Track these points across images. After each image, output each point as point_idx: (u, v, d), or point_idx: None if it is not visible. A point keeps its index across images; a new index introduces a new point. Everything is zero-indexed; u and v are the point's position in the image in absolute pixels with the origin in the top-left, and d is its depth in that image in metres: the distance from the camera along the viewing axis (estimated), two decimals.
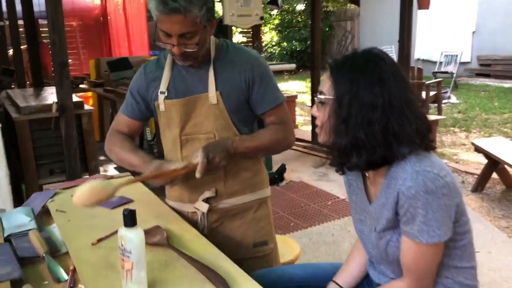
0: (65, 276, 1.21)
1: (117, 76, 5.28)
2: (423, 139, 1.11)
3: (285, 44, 14.15)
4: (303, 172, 4.71)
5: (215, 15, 1.48)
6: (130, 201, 1.65)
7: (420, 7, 4.74)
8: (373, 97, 1.07)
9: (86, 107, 3.23)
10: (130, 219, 1.03)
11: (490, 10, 10.92)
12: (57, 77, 2.70)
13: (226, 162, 1.40)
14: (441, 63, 10.13)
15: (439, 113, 6.92)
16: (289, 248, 2.02)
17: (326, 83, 1.15)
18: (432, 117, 5.06)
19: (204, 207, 1.51)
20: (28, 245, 1.34)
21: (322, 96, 1.15)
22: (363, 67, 1.10)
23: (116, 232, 1.36)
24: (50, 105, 3.07)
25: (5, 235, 1.40)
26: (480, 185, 4.21)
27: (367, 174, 1.23)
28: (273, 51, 13.92)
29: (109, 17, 9.31)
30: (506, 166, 4.08)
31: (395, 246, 1.14)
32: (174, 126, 1.54)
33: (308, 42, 11.89)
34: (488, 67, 11.11)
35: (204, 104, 1.50)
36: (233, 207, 1.55)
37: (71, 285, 1.17)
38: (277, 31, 14.74)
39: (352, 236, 3.20)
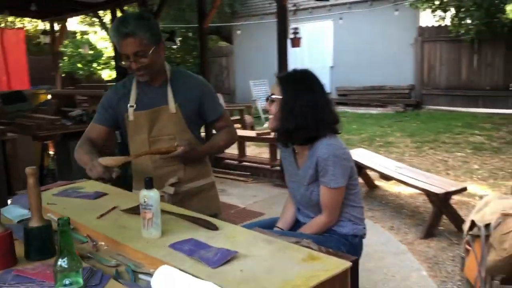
0: (84, 239, 1.62)
1: (13, 108, 5.34)
2: (334, 126, 1.81)
3: None
4: None
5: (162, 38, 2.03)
6: (105, 194, 2.07)
7: (293, 46, 5.69)
8: (307, 98, 1.75)
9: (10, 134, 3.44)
10: (149, 184, 1.52)
11: (344, 48, 12.80)
12: None
13: (198, 157, 1.97)
14: None
15: None
16: None
17: (275, 89, 1.81)
18: None
19: (170, 190, 2.02)
20: None
21: (273, 96, 1.80)
22: (301, 79, 1.78)
23: (112, 209, 1.83)
24: None
25: (17, 221, 1.75)
26: None
27: (296, 150, 1.89)
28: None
29: None
30: (367, 171, 5.12)
31: (316, 194, 1.80)
32: (142, 131, 2.04)
33: None
34: (345, 97, 12.91)
35: (166, 113, 2.04)
36: (191, 189, 2.09)
37: (94, 243, 1.59)
38: None
39: None
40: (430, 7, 10.48)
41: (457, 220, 3.83)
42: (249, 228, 1.70)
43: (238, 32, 13.32)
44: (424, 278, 3.11)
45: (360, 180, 5.21)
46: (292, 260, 1.33)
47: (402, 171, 4.37)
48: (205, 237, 1.52)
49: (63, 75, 11.44)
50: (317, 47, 13.20)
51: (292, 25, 5.71)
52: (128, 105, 2.05)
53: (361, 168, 5.02)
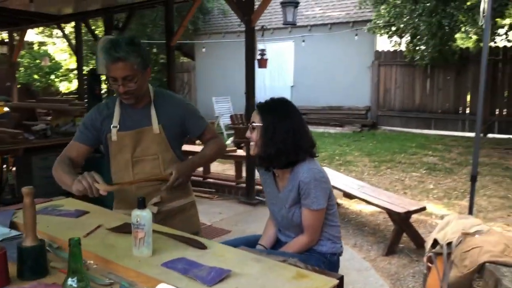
0: None
1: None
2: (311, 150, 1.91)
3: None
4: None
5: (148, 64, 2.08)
6: (86, 212, 2.08)
7: (260, 66, 5.84)
8: (286, 124, 1.85)
9: None
10: (142, 204, 1.57)
11: (304, 69, 13.15)
12: None
13: (188, 179, 2.00)
14: None
15: None
16: None
17: (255, 117, 1.90)
18: None
19: (154, 209, 2.05)
20: None
21: (254, 124, 1.88)
22: (280, 107, 1.88)
23: (97, 228, 1.85)
24: None
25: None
26: None
27: (276, 174, 1.98)
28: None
29: None
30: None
31: (297, 216, 1.90)
32: (126, 151, 2.07)
33: None
34: (305, 116, 13.19)
35: (150, 134, 2.08)
36: (173, 208, 2.13)
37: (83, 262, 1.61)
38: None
39: None
40: (387, 32, 10.97)
41: (417, 238, 4.03)
42: (234, 246, 1.77)
43: (203, 49, 13.42)
44: None
45: None
46: (283, 278, 1.41)
47: (365, 190, 4.56)
48: (195, 256, 1.58)
49: (18, 86, 11.10)
50: (278, 68, 13.49)
51: (259, 46, 5.89)
52: (112, 125, 2.08)
53: None
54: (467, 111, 11.20)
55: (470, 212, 3.39)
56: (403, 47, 11.33)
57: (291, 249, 1.91)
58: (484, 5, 3.00)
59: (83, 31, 7.68)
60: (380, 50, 12.35)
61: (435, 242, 2.78)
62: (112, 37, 2.04)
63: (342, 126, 12.36)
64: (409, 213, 3.89)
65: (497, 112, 10.80)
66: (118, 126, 2.07)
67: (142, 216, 1.56)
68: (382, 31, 11.00)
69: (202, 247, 1.65)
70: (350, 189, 4.69)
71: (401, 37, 10.94)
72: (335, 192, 5.34)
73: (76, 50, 7.77)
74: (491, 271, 2.16)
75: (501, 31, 9.70)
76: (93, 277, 1.46)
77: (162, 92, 2.19)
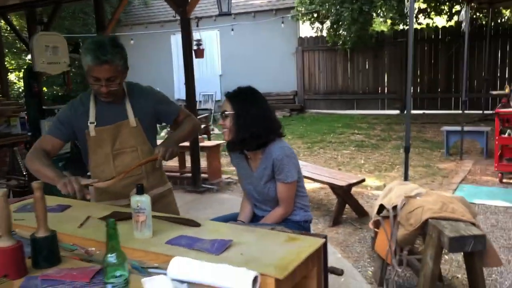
0: (73, 247, 1.72)
1: None
2: (279, 131, 2.12)
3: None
4: None
5: None
6: (68, 206, 2.14)
7: (197, 57, 5.94)
8: (256, 110, 2.04)
9: None
10: (141, 190, 1.70)
11: (231, 58, 13.33)
12: None
13: (177, 149, 2.10)
14: (200, 101, 11.86)
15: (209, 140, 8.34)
16: None
17: (226, 105, 2.07)
18: (217, 142, 6.32)
19: None
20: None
21: (227, 112, 2.05)
22: (248, 94, 2.06)
23: (87, 218, 1.94)
24: None
25: None
26: None
27: (248, 156, 2.17)
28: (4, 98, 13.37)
29: None
30: None
31: (273, 190, 2.11)
32: (105, 145, 2.16)
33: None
34: None
35: (127, 127, 2.18)
36: (154, 196, 2.23)
37: (84, 249, 1.71)
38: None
39: None
40: (309, 19, 11.44)
41: (358, 208, 4.43)
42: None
43: (132, 41, 13.13)
44: (340, 260, 3.59)
45: None
46: (278, 242, 1.62)
47: (308, 169, 4.87)
48: (192, 233, 1.74)
49: None
50: (205, 57, 13.55)
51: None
52: (88, 121, 2.15)
53: None
54: (386, 90, 12.03)
55: (406, 179, 3.81)
56: (324, 33, 11.88)
57: (269, 220, 2.12)
58: None
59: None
60: (303, 36, 12.84)
61: (381, 208, 3.13)
62: (98, 36, 2.09)
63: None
64: (350, 186, 4.25)
65: (411, 90, 11.73)
66: (95, 122, 2.15)
67: (142, 201, 1.69)
68: (305, 18, 11.45)
69: (196, 225, 1.81)
70: None
71: (322, 23, 11.46)
72: None
73: None
74: (434, 225, 2.52)
75: None
76: (99, 260, 1.56)
77: (132, 85, 2.28)
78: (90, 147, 2.18)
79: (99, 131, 2.15)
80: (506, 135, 5.36)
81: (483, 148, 6.61)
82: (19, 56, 14.03)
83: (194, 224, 1.82)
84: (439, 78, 11.31)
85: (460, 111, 10.69)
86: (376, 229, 3.26)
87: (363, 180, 4.42)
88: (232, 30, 12.64)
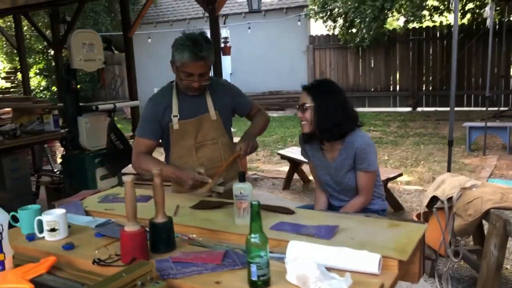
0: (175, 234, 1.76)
1: None
2: (358, 121, 2.16)
3: (54, 88, 13.80)
4: None
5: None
6: (151, 197, 2.17)
7: (224, 54, 5.98)
8: (336, 101, 2.08)
9: None
10: (243, 177, 1.74)
11: (242, 56, 13.36)
12: None
13: (257, 143, 2.16)
14: None
15: None
16: None
17: (306, 98, 2.11)
18: None
19: (220, 189, 2.20)
20: (118, 227, 1.80)
21: (307, 105, 2.09)
22: (328, 87, 2.10)
23: (178, 207, 1.97)
24: None
25: (94, 225, 1.81)
26: (287, 184, 5.62)
27: (324, 147, 2.21)
28: (43, 96, 13.42)
29: None
30: (302, 167, 5.60)
31: (352, 180, 2.15)
32: (188, 138, 2.20)
33: (79, 86, 12.04)
34: None
35: (208, 120, 2.22)
36: (232, 187, 2.28)
37: (185, 236, 1.74)
38: (43, 76, 14.24)
39: None
40: (322, 18, 11.49)
41: (394, 202, 4.47)
42: None
43: (149, 40, 13.16)
44: None
45: (296, 176, 5.68)
46: (382, 227, 1.66)
47: None
48: (290, 219, 1.77)
49: None
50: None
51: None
52: (172, 115, 2.19)
53: (298, 164, 5.49)
54: (397, 88, 12.09)
55: (448, 171, 3.85)
56: (336, 31, 11.92)
57: (349, 209, 2.16)
58: None
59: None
60: (314, 34, 12.88)
61: (432, 199, 3.17)
62: (190, 33, 2.14)
63: (283, 109, 12.79)
64: (388, 180, 4.30)
65: (424, 88, 11.79)
66: (178, 115, 2.19)
67: (245, 188, 1.73)
68: (317, 17, 11.49)
69: (291, 212, 1.85)
70: None
71: (335, 21, 11.51)
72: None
73: (18, 46, 7.35)
74: (498, 215, 2.56)
75: (425, 12, 10.54)
76: (212, 245, 1.60)
77: (211, 79, 2.32)
78: (172, 139, 2.22)
79: (182, 124, 2.19)
80: None
81: (505, 143, 6.67)
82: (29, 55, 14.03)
83: (288, 211, 1.85)
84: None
85: (472, 108, 10.88)
86: (424, 222, 3.30)
87: (401, 174, 4.47)
88: (249, 28, 12.59)
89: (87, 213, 2.03)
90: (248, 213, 1.74)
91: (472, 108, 10.96)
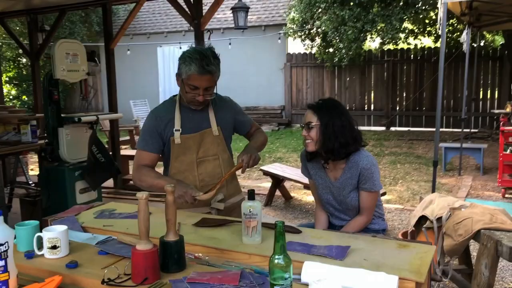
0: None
1: None
2: (361, 140, 2.17)
3: (25, 97, 13.45)
4: None
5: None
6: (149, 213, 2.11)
7: None
8: (342, 120, 2.08)
9: None
10: (252, 195, 1.71)
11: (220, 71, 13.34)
12: None
13: (259, 156, 2.13)
14: None
15: None
16: None
17: (311, 117, 2.10)
18: None
19: (221, 206, 2.17)
20: (120, 245, 1.74)
21: (313, 124, 2.09)
22: (332, 105, 2.11)
23: (179, 225, 1.92)
24: None
25: (95, 243, 1.74)
26: (269, 200, 5.60)
27: (327, 167, 2.21)
28: (14, 105, 13.02)
29: None
30: (284, 184, 5.60)
31: (355, 199, 2.15)
32: (190, 152, 2.16)
33: None
34: None
35: (210, 136, 2.19)
36: (232, 204, 2.26)
37: (191, 256, 1.69)
38: (13, 85, 13.86)
39: None
40: (300, 36, 11.65)
41: None
42: None
43: (128, 52, 12.99)
44: None
45: (278, 192, 5.67)
46: (391, 248, 1.65)
47: None
48: (298, 239, 1.75)
49: None
50: None
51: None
52: (174, 129, 2.14)
53: (280, 181, 5.48)
54: (372, 107, 12.32)
55: (433, 191, 3.92)
56: (313, 50, 12.10)
57: (350, 229, 2.15)
58: (440, 13, 3.53)
59: None
60: (291, 52, 13.03)
61: (420, 219, 3.21)
62: (199, 47, 2.11)
63: (260, 125, 12.80)
64: None
65: (397, 108, 12.05)
66: (180, 130, 2.14)
67: (254, 207, 1.70)
68: (295, 35, 11.65)
69: (297, 231, 1.83)
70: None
71: (313, 40, 11.68)
72: (295, 185, 5.68)
73: None
74: (489, 236, 2.61)
75: (401, 35, 10.84)
76: (221, 265, 1.56)
77: (215, 95, 2.30)
78: (173, 153, 2.18)
79: (184, 138, 2.15)
80: (508, 151, 5.59)
81: (479, 164, 6.86)
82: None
83: (295, 230, 1.83)
84: (424, 96, 11.68)
85: (444, 129, 11.20)
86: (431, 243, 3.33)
87: (384, 193, 4.51)
88: (230, 44, 12.63)
89: (84, 229, 1.95)
90: (257, 232, 1.71)
91: (444, 129, 11.25)
